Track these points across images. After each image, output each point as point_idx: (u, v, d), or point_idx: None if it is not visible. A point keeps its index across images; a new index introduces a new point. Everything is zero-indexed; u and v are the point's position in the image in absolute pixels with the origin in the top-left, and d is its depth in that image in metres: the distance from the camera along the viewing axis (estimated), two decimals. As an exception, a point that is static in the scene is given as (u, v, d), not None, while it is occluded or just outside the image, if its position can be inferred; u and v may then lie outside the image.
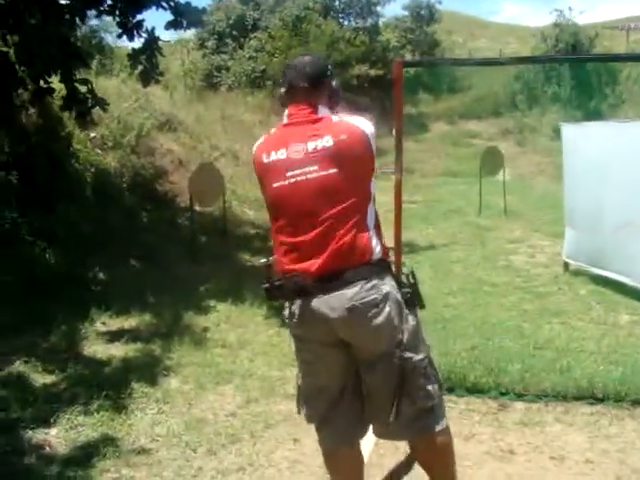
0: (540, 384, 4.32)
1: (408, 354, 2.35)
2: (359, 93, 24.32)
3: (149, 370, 4.76)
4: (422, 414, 2.40)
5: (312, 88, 2.45)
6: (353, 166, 2.33)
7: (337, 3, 27.87)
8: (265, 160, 2.41)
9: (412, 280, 2.46)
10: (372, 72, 24.87)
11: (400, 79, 4.04)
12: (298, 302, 2.34)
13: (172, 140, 11.93)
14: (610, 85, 27.28)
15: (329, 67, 2.60)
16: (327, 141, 2.31)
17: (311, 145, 2.32)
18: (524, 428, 3.86)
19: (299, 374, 2.57)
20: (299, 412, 2.62)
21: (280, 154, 2.36)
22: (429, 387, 2.39)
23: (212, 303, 6.49)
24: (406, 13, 29.63)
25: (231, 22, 26.62)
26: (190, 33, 24.67)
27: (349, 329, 2.33)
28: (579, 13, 29.29)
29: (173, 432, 3.84)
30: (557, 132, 20.97)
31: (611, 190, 6.39)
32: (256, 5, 27.34)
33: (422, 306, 2.48)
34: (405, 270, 2.51)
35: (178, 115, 13.27)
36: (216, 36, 26.46)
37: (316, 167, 2.30)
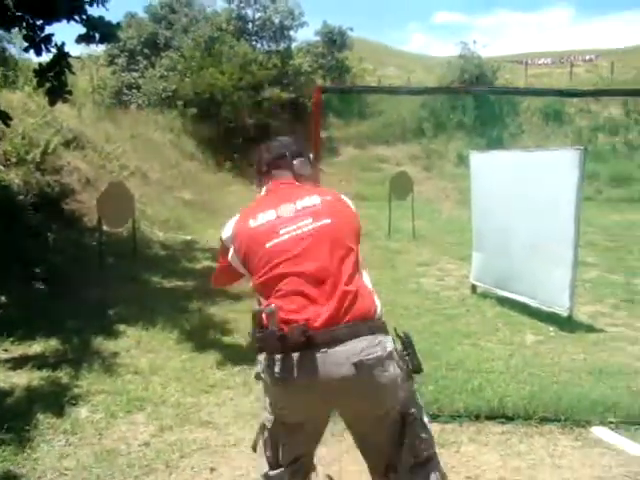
0: (454, 405, 4.41)
1: (407, 409, 2.30)
2: (270, 116, 24.52)
3: (56, 399, 4.49)
4: (422, 464, 2.35)
5: (284, 162, 2.59)
6: (343, 218, 2.41)
7: (250, 26, 28.04)
8: (252, 224, 2.38)
9: (408, 342, 2.35)
10: (284, 95, 25.02)
11: (319, 104, 4.09)
12: (295, 355, 2.13)
13: (80, 158, 11.57)
14: (511, 115, 28.63)
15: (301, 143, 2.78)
16: (315, 199, 2.41)
17: (300, 204, 2.39)
18: (441, 449, 3.88)
19: (268, 419, 2.39)
20: (254, 449, 2.51)
21: (269, 215, 2.38)
22: (426, 436, 2.35)
23: (122, 328, 6.26)
24: (318, 38, 30.06)
25: (142, 40, 26.27)
26: (100, 49, 24.15)
27: (350, 390, 2.19)
28: (483, 46, 30.38)
29: (83, 465, 3.63)
30: (462, 158, 21.84)
31: (516, 215, 6.68)
32: (169, 24, 27.12)
33: (420, 369, 2.33)
34: (400, 332, 2.36)
35: (86, 132, 12.91)
36: (127, 53, 26.03)
37: (310, 220, 2.34)
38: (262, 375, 2.26)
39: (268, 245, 2.29)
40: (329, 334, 2.13)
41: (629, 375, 5.00)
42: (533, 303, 6.65)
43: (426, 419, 2.38)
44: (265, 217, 2.36)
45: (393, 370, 2.20)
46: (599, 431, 4.09)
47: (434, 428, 4.10)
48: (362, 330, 2.17)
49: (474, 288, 7.82)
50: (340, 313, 2.16)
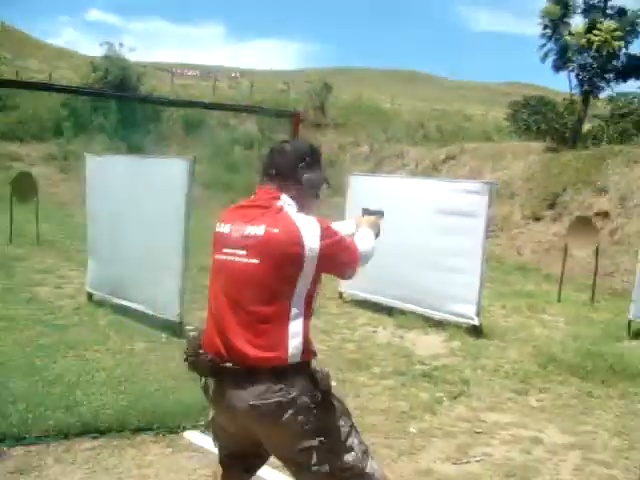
0: (44, 424, 4.09)
1: (320, 468, 2.26)
2: None
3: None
4: None
5: (281, 176, 2.38)
6: (278, 262, 2.22)
7: None
8: (218, 229, 2.38)
9: (324, 385, 2.32)
10: None
11: None
12: (211, 381, 2.32)
13: None
14: (154, 122, 28.78)
15: (307, 158, 2.43)
16: (260, 229, 2.24)
17: (247, 229, 2.26)
18: (20, 477, 3.59)
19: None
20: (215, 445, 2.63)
21: (225, 228, 2.33)
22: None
23: None
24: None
25: None
26: None
27: (252, 424, 2.28)
28: (129, 50, 29.95)
29: None
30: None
31: (128, 222, 6.59)
32: None
33: (331, 409, 2.33)
34: (319, 374, 2.31)
35: None
36: None
37: (244, 252, 2.25)
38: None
39: (216, 256, 2.35)
40: (233, 372, 2.22)
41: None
42: (147, 310, 6.61)
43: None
44: (226, 228, 2.33)
45: (293, 415, 2.20)
46: (190, 435, 4.18)
47: (17, 452, 3.82)
48: (264, 374, 2.20)
49: (90, 296, 7.52)
50: (247, 355, 2.20)
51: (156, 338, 6.30)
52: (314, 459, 2.23)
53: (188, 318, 6.97)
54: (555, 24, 18.39)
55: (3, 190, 16.32)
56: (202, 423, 4.22)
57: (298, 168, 2.40)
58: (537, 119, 23.69)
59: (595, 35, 17.27)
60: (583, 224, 10.14)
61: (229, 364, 2.23)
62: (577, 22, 18.55)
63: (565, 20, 18.58)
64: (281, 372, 2.21)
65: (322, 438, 2.23)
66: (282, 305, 2.23)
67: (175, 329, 6.41)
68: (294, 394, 2.20)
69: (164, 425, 4.20)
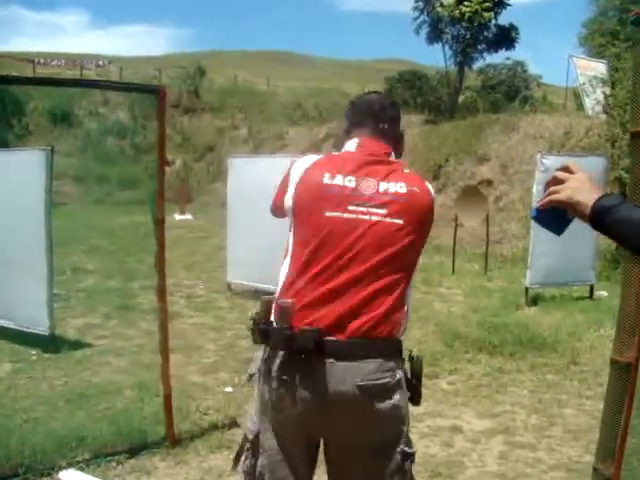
0: None
1: (408, 449, 1.92)
2: None
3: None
4: None
5: (390, 131, 2.10)
6: (416, 225, 1.93)
7: None
8: (326, 180, 1.94)
9: (418, 368, 1.98)
10: None
11: None
12: (300, 358, 1.80)
13: None
14: (17, 115, 26.83)
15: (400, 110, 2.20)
16: (400, 187, 1.93)
17: (383, 186, 1.93)
18: None
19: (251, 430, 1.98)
20: (235, 467, 2.05)
21: (348, 181, 1.93)
22: None
23: None
24: None
25: None
26: None
27: (346, 412, 1.84)
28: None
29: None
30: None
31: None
32: None
33: (418, 402, 2.01)
34: (414, 355, 1.97)
35: None
36: None
37: (383, 211, 1.89)
38: (257, 376, 1.94)
39: (328, 214, 1.90)
40: (340, 345, 1.81)
41: (110, 395, 4.60)
42: (12, 325, 5.81)
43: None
44: (343, 181, 1.93)
45: (398, 399, 1.88)
46: (66, 475, 3.52)
47: None
48: (377, 350, 1.84)
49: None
50: (359, 325, 1.82)
51: (25, 356, 5.54)
52: (400, 446, 1.91)
53: (62, 329, 6.27)
54: (426, -3, 18.48)
55: None
56: (80, 458, 3.61)
57: (399, 122, 2.18)
58: (413, 93, 24.00)
59: (466, 6, 17.48)
60: (471, 193, 10.12)
61: (335, 337, 1.82)
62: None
63: (436, -8, 18.71)
64: (392, 348, 1.90)
65: (406, 427, 1.94)
66: (407, 273, 1.94)
67: (46, 343, 5.68)
68: (399, 375, 1.90)
69: (33, 467, 3.51)
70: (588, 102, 16.88)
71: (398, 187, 1.94)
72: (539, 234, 7.58)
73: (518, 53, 57.61)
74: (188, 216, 19.40)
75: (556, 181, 1.38)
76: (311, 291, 1.86)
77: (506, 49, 19.10)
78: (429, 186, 2.02)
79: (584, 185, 1.35)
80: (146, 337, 5.78)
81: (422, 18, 18.71)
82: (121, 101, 28.88)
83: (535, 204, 1.45)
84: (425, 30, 18.75)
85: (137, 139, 27.32)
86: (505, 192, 13.00)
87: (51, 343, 5.68)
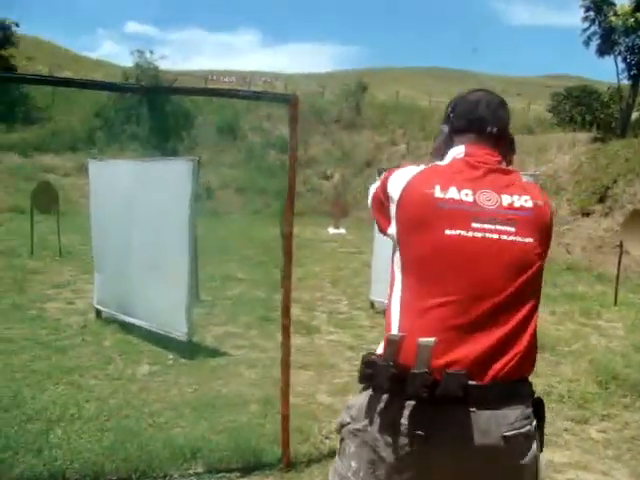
0: (11, 472, 3.49)
1: None
2: None
3: None
4: None
5: (501, 136, 1.83)
6: (544, 244, 1.70)
7: None
8: (439, 194, 1.64)
9: (542, 412, 1.70)
10: None
11: None
12: (434, 409, 1.50)
13: None
14: (187, 128, 28.57)
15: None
16: (526, 201, 1.68)
17: (506, 199, 1.67)
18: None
19: None
20: None
21: (464, 195, 1.65)
22: None
23: None
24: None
25: None
26: None
27: (489, 470, 1.56)
28: (160, 58, 29.80)
29: None
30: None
31: (134, 231, 5.99)
32: None
33: (541, 449, 1.68)
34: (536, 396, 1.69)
35: None
36: None
37: (513, 229, 1.63)
38: (354, 427, 1.62)
39: (450, 232, 1.61)
40: (484, 391, 1.53)
41: (235, 407, 4.56)
42: (153, 328, 5.99)
43: None
44: (459, 194, 1.65)
45: (535, 449, 1.62)
46: (177, 486, 3.49)
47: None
48: (519, 394, 1.59)
49: (98, 313, 6.94)
50: (502, 366, 1.55)
51: (163, 360, 5.69)
52: None
53: (202, 336, 6.39)
54: (598, 6, 17.26)
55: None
56: (192, 471, 3.56)
57: (509, 125, 1.89)
58: (581, 110, 22.67)
59: (644, 14, 16.12)
60: (639, 218, 9.20)
61: (478, 381, 1.54)
62: (623, 2, 17.41)
63: (609, 0, 17.40)
64: (530, 391, 1.66)
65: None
66: (538, 300, 1.68)
67: (183, 349, 5.79)
68: (535, 422, 1.64)
69: (147, 474, 3.51)
70: None
71: (523, 201, 1.68)
72: None
73: None
74: (342, 230, 19.54)
75: None
76: (441, 327, 1.56)
77: (689, 60, 17.42)
78: (548, 198, 1.78)
79: None
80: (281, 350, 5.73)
81: (593, 29, 17.49)
82: (283, 115, 29.74)
83: None
84: (596, 42, 17.50)
85: (297, 153, 27.98)
86: (682, 218, 11.75)
87: (188, 349, 5.79)
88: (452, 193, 1.65)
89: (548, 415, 4.54)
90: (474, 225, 1.63)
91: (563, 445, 4.12)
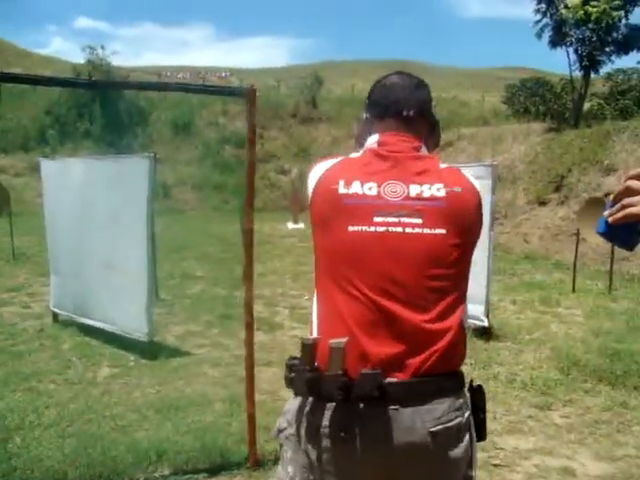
0: (-33, 484, 3.37)
1: None
2: None
3: None
4: None
5: (419, 118, 1.76)
6: (463, 234, 1.61)
7: None
8: (342, 190, 1.61)
9: (482, 400, 1.68)
10: None
11: None
12: (359, 407, 1.47)
13: None
14: (141, 125, 28.12)
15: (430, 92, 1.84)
16: (438, 189, 1.61)
17: (414, 189, 1.60)
18: None
19: None
20: None
21: (368, 188, 1.60)
22: None
23: None
24: None
25: None
26: None
27: (417, 466, 1.53)
28: (112, 54, 29.19)
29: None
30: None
31: (89, 231, 5.84)
32: None
33: (485, 437, 1.68)
34: (475, 385, 1.67)
35: None
36: None
37: (419, 220, 1.57)
38: (290, 432, 1.58)
39: (352, 228, 1.57)
40: (404, 387, 1.49)
41: (200, 407, 4.49)
42: (113, 330, 5.86)
43: None
44: (362, 189, 1.60)
45: (468, 441, 1.59)
46: (142, 491, 3.42)
47: None
48: (445, 388, 1.55)
49: (55, 316, 6.77)
50: (422, 361, 1.51)
51: (124, 362, 5.57)
52: None
53: (162, 336, 6.29)
54: (549, -2, 17.56)
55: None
56: (157, 474, 3.49)
57: (431, 106, 1.82)
58: (535, 101, 23.02)
59: (593, 6, 16.40)
60: (595, 206, 9.36)
61: (397, 378, 1.50)
62: (572, -6, 17.76)
63: (560, -7, 17.75)
64: (459, 383, 1.62)
65: (474, 472, 1.64)
66: (460, 292, 1.62)
67: (145, 350, 5.69)
68: (468, 413, 1.61)
69: (111, 479, 3.43)
70: None
71: (435, 190, 1.61)
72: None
73: (653, 58, 54.15)
74: (301, 225, 19.47)
75: (629, 191, 1.18)
76: (353, 327, 1.52)
77: (638, 50, 17.76)
78: (473, 181, 1.68)
79: None
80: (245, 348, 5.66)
81: (544, 21, 17.76)
82: (239, 111, 29.57)
83: (604, 216, 1.22)
84: (548, 34, 17.77)
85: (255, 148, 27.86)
86: (634, 205, 12.01)
87: (150, 350, 5.69)
88: (355, 188, 1.61)
89: (513, 402, 4.59)
90: (376, 219, 1.58)
91: (528, 432, 4.16)
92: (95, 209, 5.75)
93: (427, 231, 1.56)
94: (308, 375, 1.49)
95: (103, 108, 26.66)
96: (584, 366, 5.33)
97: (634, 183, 1.18)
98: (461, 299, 1.61)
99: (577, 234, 9.58)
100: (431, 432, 1.50)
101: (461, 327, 1.58)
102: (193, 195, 24.15)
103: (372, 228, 1.57)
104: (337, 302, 1.56)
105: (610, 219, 1.19)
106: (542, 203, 14.27)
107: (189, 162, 25.77)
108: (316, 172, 1.70)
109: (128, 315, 5.64)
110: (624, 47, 17.54)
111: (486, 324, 6.29)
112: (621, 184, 1.19)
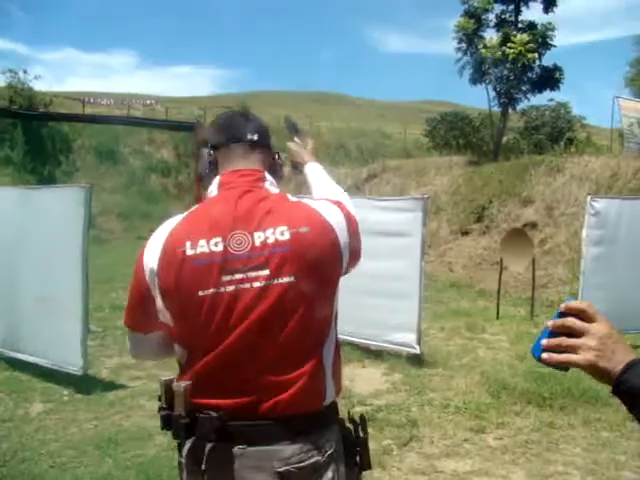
0: None
1: None
2: None
3: None
4: None
5: (263, 144, 1.75)
6: (317, 274, 1.55)
7: None
8: (190, 252, 1.53)
9: (363, 433, 1.71)
10: None
11: None
12: (208, 447, 1.50)
13: None
14: (64, 153, 27.47)
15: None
16: (282, 233, 1.53)
17: (258, 238, 1.53)
18: None
19: None
20: None
21: (214, 245, 1.53)
22: None
23: None
24: None
25: None
26: None
27: None
28: (34, 78, 28.41)
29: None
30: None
31: (21, 263, 5.71)
32: None
33: (368, 466, 1.72)
34: (356, 417, 1.71)
35: None
36: None
37: (266, 272, 1.51)
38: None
39: (202, 293, 1.51)
40: (251, 429, 1.52)
41: (140, 441, 4.45)
42: (46, 364, 5.72)
43: None
44: (209, 246, 1.52)
45: (332, 475, 1.57)
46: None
47: None
48: (297, 428, 1.53)
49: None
50: (271, 406, 1.52)
51: (57, 396, 5.44)
52: None
53: (96, 369, 6.17)
54: (470, 38, 18.39)
55: None
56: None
57: (269, 137, 1.81)
58: (455, 134, 23.83)
59: (510, 48, 17.33)
60: (516, 236, 9.81)
61: (243, 421, 1.53)
62: (492, 34, 18.70)
63: (479, 34, 18.61)
64: (318, 421, 1.60)
65: None
66: (320, 331, 1.61)
67: (79, 383, 5.57)
68: (330, 449, 1.59)
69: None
70: (633, 144, 16.54)
71: (278, 233, 1.53)
72: (590, 278, 7.25)
73: (562, 94, 57.17)
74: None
75: (568, 330, 1.06)
76: (211, 374, 1.55)
77: (550, 90, 18.83)
78: (327, 216, 1.60)
79: (606, 344, 1.04)
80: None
81: (465, 59, 18.60)
82: (165, 140, 29.38)
83: (540, 342, 1.09)
84: (468, 72, 18.61)
85: (180, 177, 27.70)
86: (550, 235, 12.61)
87: (84, 383, 5.58)
88: (202, 247, 1.54)
89: (448, 427, 4.75)
90: (224, 279, 1.52)
91: (465, 454, 4.32)
92: (27, 239, 5.63)
93: (275, 282, 1.51)
94: (162, 413, 1.61)
95: (25, 134, 25.90)
96: (513, 389, 5.57)
97: (576, 324, 1.06)
98: (320, 344, 1.60)
99: (500, 263, 9.98)
100: (278, 472, 1.52)
101: (317, 371, 1.57)
102: (119, 224, 23.70)
103: (222, 289, 1.52)
104: (200, 359, 1.57)
105: (547, 358, 1.07)
106: (465, 233, 14.77)
107: (114, 190, 25.31)
108: (156, 244, 1.59)
109: (61, 348, 5.54)
110: (538, 86, 18.56)
111: (418, 352, 6.49)
112: (556, 317, 1.08)
